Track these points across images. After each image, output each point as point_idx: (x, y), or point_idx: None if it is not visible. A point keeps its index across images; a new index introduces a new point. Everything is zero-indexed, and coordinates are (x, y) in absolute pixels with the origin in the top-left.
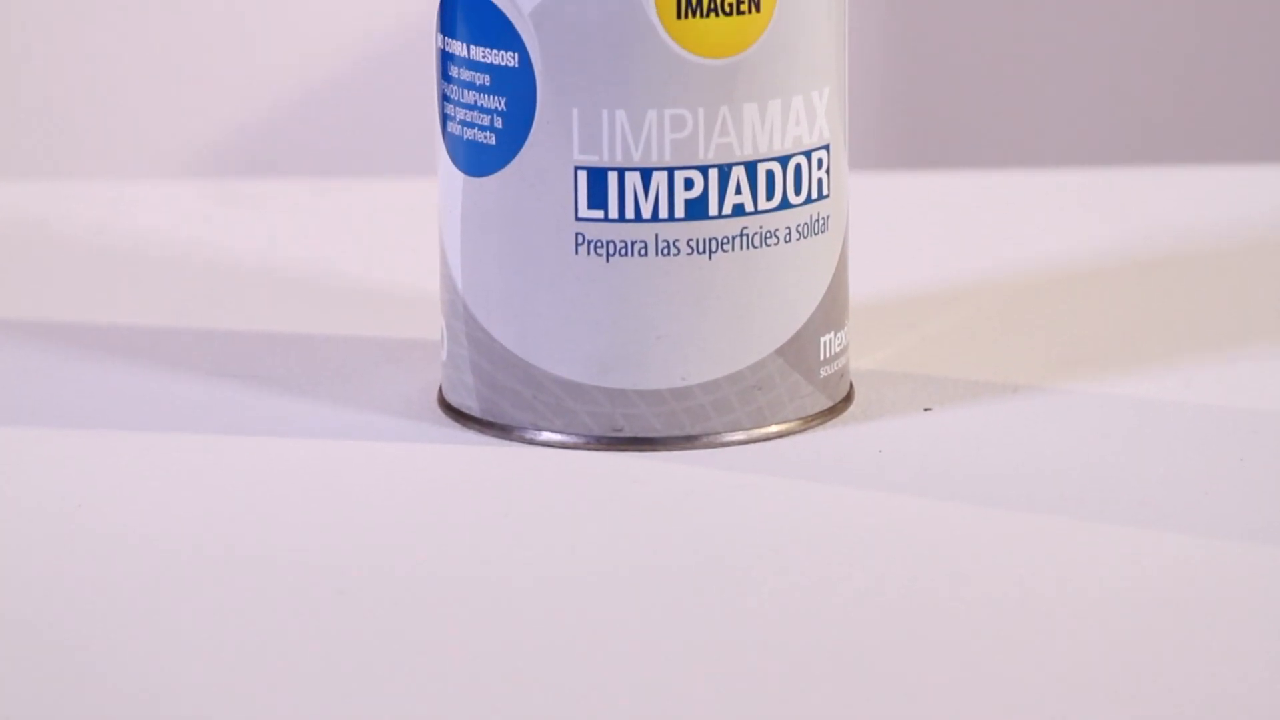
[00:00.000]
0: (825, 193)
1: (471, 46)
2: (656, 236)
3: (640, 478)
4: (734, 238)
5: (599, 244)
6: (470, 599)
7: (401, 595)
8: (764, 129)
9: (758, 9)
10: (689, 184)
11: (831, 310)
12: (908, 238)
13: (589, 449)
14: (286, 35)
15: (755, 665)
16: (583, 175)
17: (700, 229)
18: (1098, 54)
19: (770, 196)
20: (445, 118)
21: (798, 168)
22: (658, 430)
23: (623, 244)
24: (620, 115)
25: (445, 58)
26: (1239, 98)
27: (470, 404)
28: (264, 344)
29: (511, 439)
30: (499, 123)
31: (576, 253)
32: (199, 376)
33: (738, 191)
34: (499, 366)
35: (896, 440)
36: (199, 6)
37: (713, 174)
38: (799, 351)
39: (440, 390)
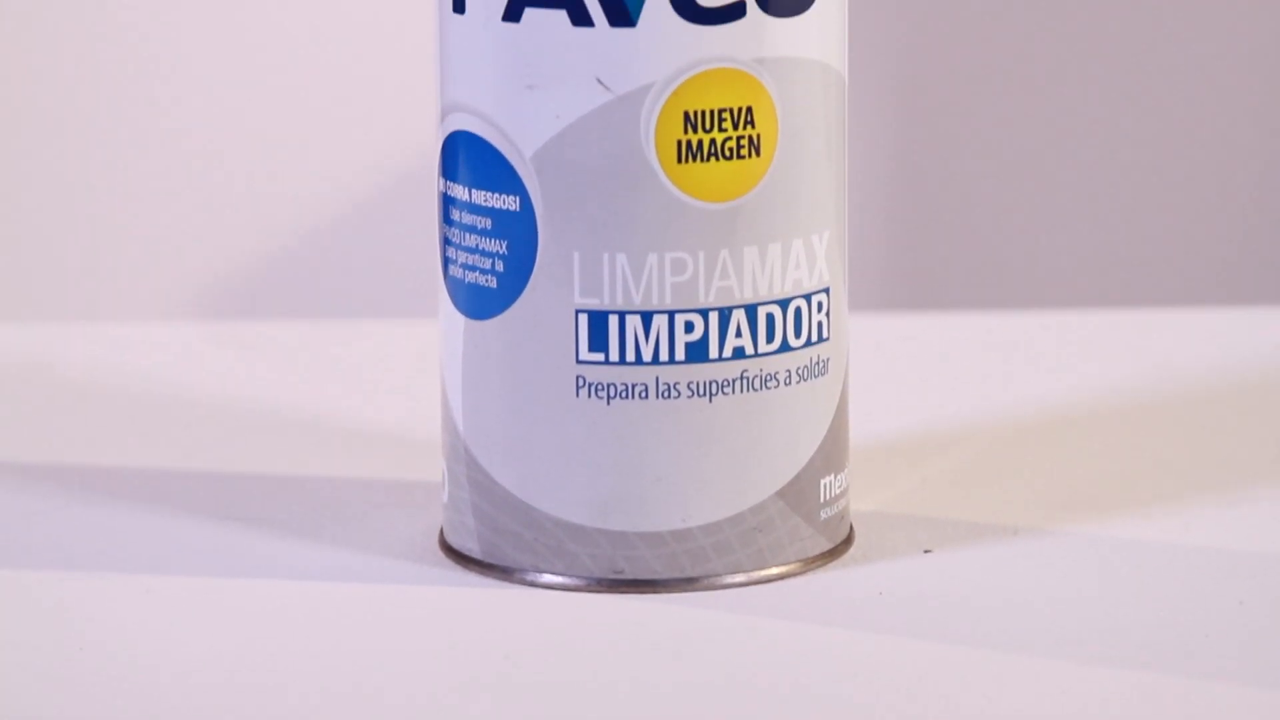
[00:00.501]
0: (825, 335)
1: (473, 190)
2: (657, 379)
3: (641, 620)
4: (734, 380)
5: (600, 387)
6: None
7: None
8: (764, 272)
9: (758, 153)
10: (689, 327)
11: (832, 452)
12: (908, 379)
13: (590, 591)
14: (288, 177)
15: None
16: (584, 318)
17: (701, 372)
18: (1097, 198)
19: (770, 339)
20: (446, 260)
21: (798, 311)
22: (658, 572)
23: (624, 386)
24: (621, 259)
25: (446, 201)
26: (1236, 241)
27: (471, 546)
28: (264, 486)
29: (513, 581)
30: (500, 266)
31: (578, 395)
32: (199, 519)
33: (738, 334)
34: (500, 509)
35: (897, 582)
36: (199, 148)
37: (713, 317)
38: (800, 493)
39: (441, 532)
